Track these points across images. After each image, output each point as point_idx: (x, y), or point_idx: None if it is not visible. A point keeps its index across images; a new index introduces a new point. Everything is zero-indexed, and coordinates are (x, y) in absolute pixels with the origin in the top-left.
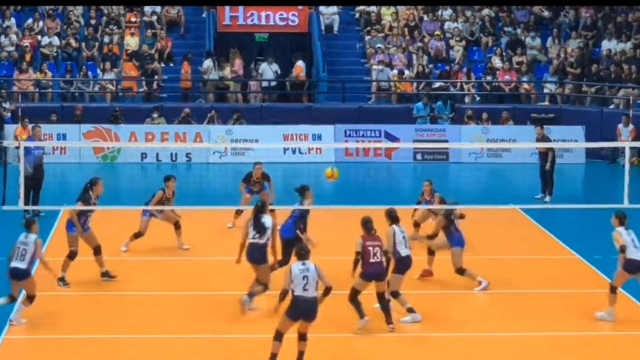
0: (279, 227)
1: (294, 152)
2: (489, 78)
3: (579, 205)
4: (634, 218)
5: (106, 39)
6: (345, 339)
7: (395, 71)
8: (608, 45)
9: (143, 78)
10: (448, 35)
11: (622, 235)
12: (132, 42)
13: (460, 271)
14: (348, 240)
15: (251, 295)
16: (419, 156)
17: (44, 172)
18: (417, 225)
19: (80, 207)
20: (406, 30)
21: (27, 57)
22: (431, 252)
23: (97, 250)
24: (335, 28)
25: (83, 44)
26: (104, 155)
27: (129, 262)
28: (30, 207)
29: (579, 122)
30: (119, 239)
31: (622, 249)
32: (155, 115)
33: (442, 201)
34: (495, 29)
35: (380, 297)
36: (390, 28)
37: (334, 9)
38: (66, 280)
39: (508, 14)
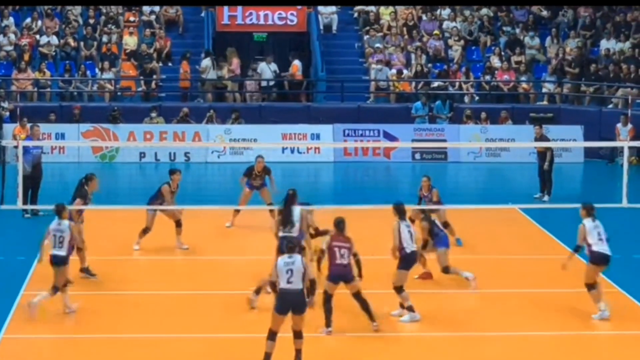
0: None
1: (292, 151)
2: (487, 78)
3: (578, 205)
4: (633, 217)
5: (105, 39)
6: (345, 338)
7: (393, 71)
8: (607, 44)
9: (142, 77)
10: (447, 34)
11: (587, 228)
12: (130, 41)
13: (446, 270)
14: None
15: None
16: (417, 156)
17: (42, 172)
18: (411, 221)
19: (79, 205)
20: (405, 29)
21: (26, 56)
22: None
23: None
24: (334, 27)
25: (82, 44)
26: (102, 154)
27: (128, 262)
28: (29, 207)
29: (578, 122)
30: (118, 239)
31: (577, 249)
32: (153, 114)
33: (439, 200)
34: (493, 29)
35: (356, 297)
36: (389, 27)
37: (332, 8)
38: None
39: (507, 13)
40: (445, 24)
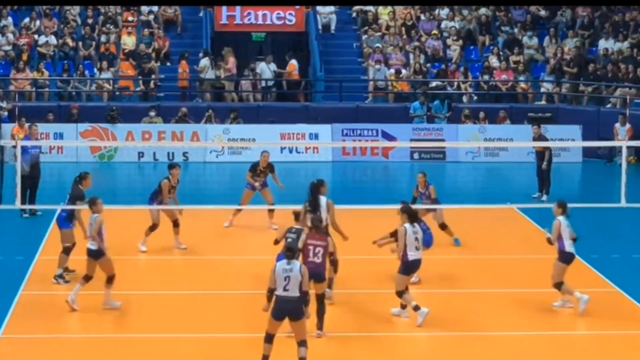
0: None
1: (291, 151)
2: (486, 77)
3: (576, 205)
4: (632, 217)
5: (103, 38)
6: (344, 338)
7: (392, 70)
8: (605, 44)
9: (140, 77)
10: (445, 34)
11: (562, 225)
12: (129, 41)
13: None
14: (345, 240)
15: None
16: (416, 155)
17: (40, 171)
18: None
19: (79, 205)
20: (403, 29)
21: (24, 56)
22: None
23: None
24: (333, 27)
25: (80, 43)
26: (100, 154)
27: (127, 262)
28: (27, 207)
29: (576, 121)
30: (117, 238)
31: (550, 241)
32: (152, 114)
33: (435, 200)
34: (492, 28)
35: (319, 299)
36: (388, 27)
37: (331, 8)
38: (65, 276)
39: (505, 13)
40: (443, 24)
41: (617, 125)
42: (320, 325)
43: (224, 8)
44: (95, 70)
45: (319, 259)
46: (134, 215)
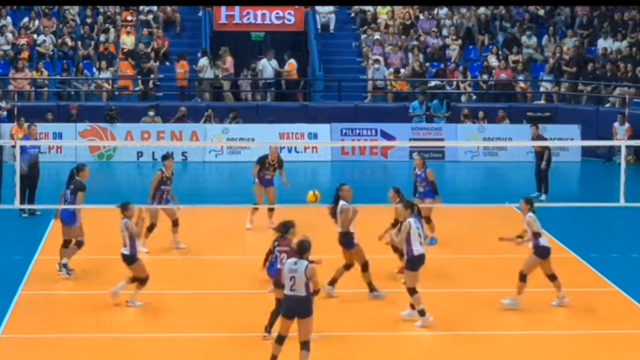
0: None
1: (290, 150)
2: (485, 77)
3: (575, 204)
4: (631, 216)
5: (102, 38)
6: (343, 337)
7: (391, 70)
8: (604, 43)
9: (139, 77)
10: (444, 33)
11: (536, 221)
12: (128, 40)
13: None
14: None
15: (332, 282)
16: (415, 155)
17: (39, 171)
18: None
19: (81, 197)
20: (402, 28)
21: (23, 55)
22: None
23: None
24: (332, 27)
25: (79, 43)
26: (99, 154)
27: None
28: (26, 206)
29: (575, 121)
30: (116, 238)
31: (537, 235)
32: (152, 113)
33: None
34: (491, 27)
35: (278, 302)
36: (386, 26)
37: (330, 7)
38: (68, 266)
39: (507, 10)
40: (442, 23)
41: (616, 124)
42: (270, 329)
43: (223, 7)
44: (94, 69)
45: (282, 265)
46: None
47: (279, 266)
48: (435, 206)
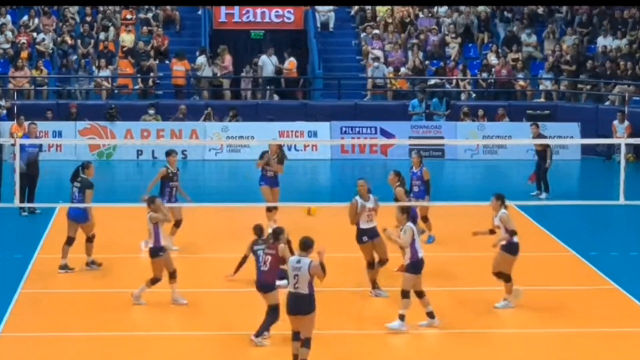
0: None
1: (289, 149)
2: (484, 75)
3: (575, 202)
4: (630, 214)
5: (102, 36)
6: (344, 335)
7: (390, 68)
8: (603, 41)
9: (139, 75)
10: (444, 30)
11: (510, 217)
12: (127, 39)
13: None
14: (345, 237)
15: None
16: (413, 153)
17: (39, 170)
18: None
19: (90, 195)
20: (401, 26)
21: (23, 54)
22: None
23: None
24: (331, 25)
25: (79, 41)
26: (99, 152)
27: (127, 259)
28: (26, 205)
29: (575, 119)
30: (115, 236)
31: (513, 233)
32: (152, 111)
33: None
34: (490, 25)
35: (269, 308)
36: (386, 25)
37: (329, 6)
38: (96, 261)
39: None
40: (441, 20)
41: (616, 122)
42: (258, 332)
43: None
44: (93, 68)
45: (266, 267)
46: (132, 213)
47: (262, 268)
48: (425, 205)
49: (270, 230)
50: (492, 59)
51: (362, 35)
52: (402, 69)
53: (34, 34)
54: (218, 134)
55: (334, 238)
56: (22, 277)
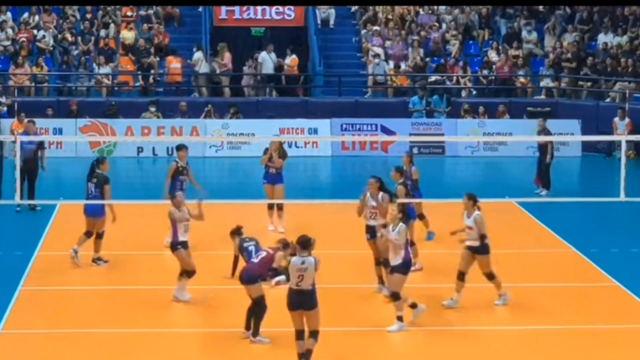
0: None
1: (290, 146)
2: (485, 72)
3: (575, 199)
4: (631, 211)
5: (102, 33)
6: (344, 333)
7: (391, 64)
8: (604, 38)
9: (139, 72)
10: (445, 27)
11: (484, 220)
12: (128, 36)
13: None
14: (345, 234)
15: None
16: (415, 150)
17: (37, 166)
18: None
19: (109, 190)
20: (401, 22)
21: (23, 51)
22: (412, 243)
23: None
24: (331, 22)
25: (79, 38)
26: (100, 149)
27: (127, 257)
28: (26, 202)
29: (575, 116)
30: (115, 234)
31: (484, 237)
32: (153, 109)
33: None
34: (491, 22)
35: (254, 301)
36: (387, 22)
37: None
38: (102, 258)
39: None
40: (442, 17)
41: (616, 119)
42: (252, 330)
43: None
44: (94, 65)
45: (256, 260)
46: (133, 210)
47: (253, 259)
48: (415, 201)
49: (271, 228)
50: (492, 56)
51: (363, 32)
52: (403, 66)
53: (35, 31)
54: (219, 131)
55: (334, 235)
56: (23, 275)
